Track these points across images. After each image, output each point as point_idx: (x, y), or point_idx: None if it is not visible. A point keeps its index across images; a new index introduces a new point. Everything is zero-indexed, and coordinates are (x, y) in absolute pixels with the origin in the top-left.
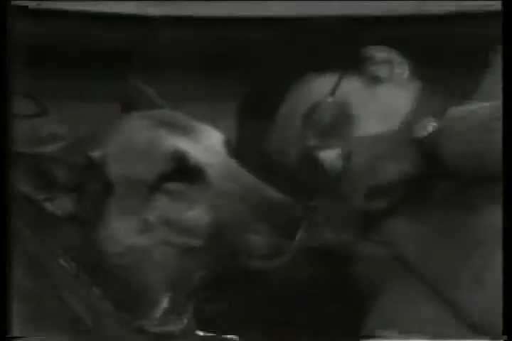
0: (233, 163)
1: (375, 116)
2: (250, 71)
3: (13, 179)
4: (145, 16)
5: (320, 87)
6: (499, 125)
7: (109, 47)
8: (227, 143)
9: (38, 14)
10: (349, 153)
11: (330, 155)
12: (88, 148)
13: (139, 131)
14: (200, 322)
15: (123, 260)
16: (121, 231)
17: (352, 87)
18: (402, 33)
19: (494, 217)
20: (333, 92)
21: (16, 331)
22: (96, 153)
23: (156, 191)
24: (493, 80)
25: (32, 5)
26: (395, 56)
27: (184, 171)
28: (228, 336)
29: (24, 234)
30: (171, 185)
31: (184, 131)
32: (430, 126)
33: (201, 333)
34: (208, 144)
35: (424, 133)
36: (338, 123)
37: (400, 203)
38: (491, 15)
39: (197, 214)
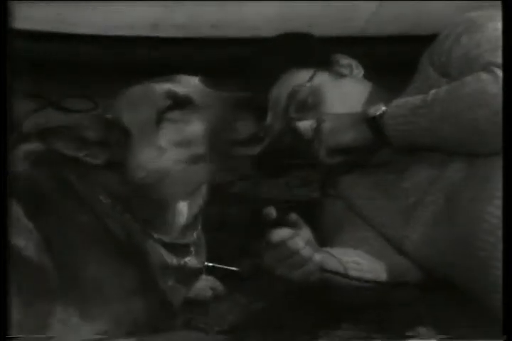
0: (208, 90)
1: (339, 98)
2: (250, 69)
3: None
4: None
5: (300, 76)
6: (425, 111)
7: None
8: (203, 80)
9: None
10: (320, 122)
11: (305, 125)
12: (104, 112)
13: (137, 87)
14: (209, 255)
15: (148, 180)
16: (143, 159)
17: (324, 78)
18: (357, 48)
19: (418, 176)
20: (310, 79)
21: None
22: (109, 115)
23: (161, 121)
24: (420, 80)
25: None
26: (353, 62)
27: (177, 102)
28: (232, 267)
29: (74, 181)
30: (170, 114)
31: (169, 79)
32: (381, 109)
33: (210, 264)
34: (188, 82)
35: (376, 113)
36: (312, 102)
37: (353, 163)
38: (420, 37)
39: (193, 127)
